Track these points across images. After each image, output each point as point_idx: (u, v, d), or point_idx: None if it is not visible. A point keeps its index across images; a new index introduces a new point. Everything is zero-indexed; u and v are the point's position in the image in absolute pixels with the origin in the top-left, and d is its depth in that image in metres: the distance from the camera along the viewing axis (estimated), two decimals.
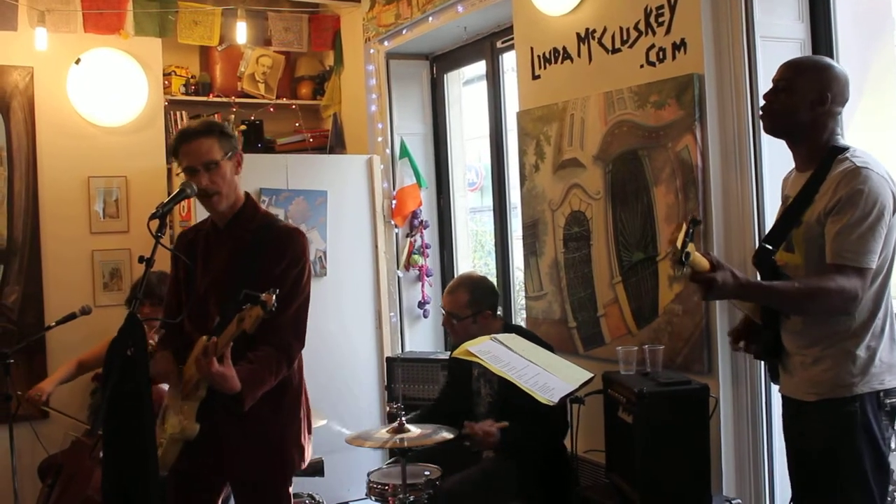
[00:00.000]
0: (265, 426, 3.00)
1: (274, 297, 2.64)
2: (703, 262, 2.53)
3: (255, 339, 2.84)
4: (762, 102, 2.78)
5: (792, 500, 2.83)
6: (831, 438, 2.58)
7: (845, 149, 2.63)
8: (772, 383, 3.07)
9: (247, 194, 3.16)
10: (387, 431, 3.51)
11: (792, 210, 2.69)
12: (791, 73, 2.72)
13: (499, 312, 4.07)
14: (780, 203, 2.90)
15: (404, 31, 5.37)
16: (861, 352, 2.57)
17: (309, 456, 3.17)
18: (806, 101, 2.65)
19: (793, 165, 2.83)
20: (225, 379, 2.77)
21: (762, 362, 3.26)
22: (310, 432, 3.19)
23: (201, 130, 3.06)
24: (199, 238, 3.18)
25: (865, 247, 2.51)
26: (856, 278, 2.50)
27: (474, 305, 3.92)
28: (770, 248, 2.70)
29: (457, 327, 3.94)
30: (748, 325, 2.92)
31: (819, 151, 2.67)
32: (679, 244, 2.47)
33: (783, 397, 2.83)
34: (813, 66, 2.73)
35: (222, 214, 3.09)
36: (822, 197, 2.60)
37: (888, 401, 2.58)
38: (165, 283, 4.39)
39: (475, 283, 4.00)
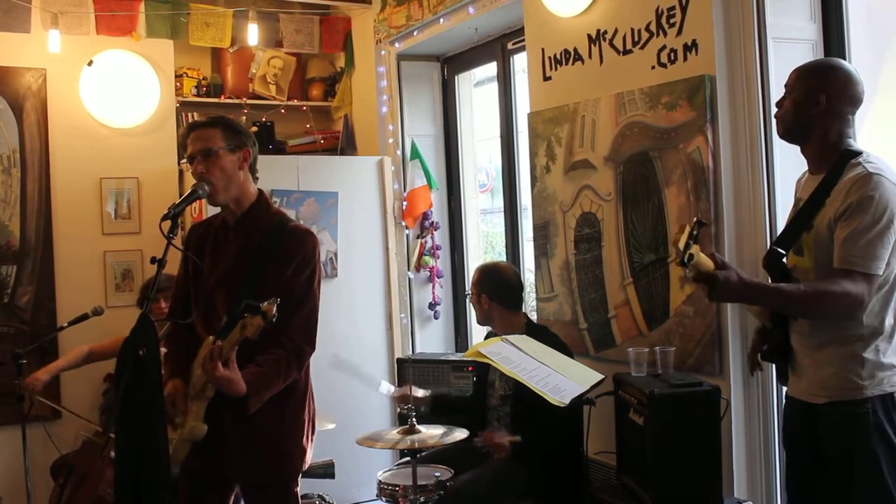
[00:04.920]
0: (269, 428, 3.00)
1: (275, 307, 2.65)
2: (708, 263, 2.56)
3: (267, 340, 2.85)
4: (775, 108, 2.81)
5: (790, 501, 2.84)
6: (846, 441, 2.58)
7: (858, 153, 2.63)
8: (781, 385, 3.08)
9: (260, 192, 3.14)
10: (397, 432, 3.52)
11: (803, 213, 2.70)
12: (792, 77, 2.76)
13: (524, 309, 4.14)
14: (791, 205, 2.90)
15: (415, 33, 5.38)
16: (869, 355, 2.57)
17: (309, 459, 3.17)
18: (800, 104, 2.69)
19: (804, 167, 2.83)
20: (230, 382, 2.78)
21: (773, 364, 3.25)
22: (313, 434, 3.19)
23: (205, 122, 3.09)
24: (210, 233, 3.17)
25: (873, 252, 2.50)
26: (863, 283, 2.50)
27: (477, 286, 4.07)
28: (780, 251, 2.71)
29: (472, 300, 4.13)
30: (760, 336, 2.93)
31: (828, 154, 2.67)
32: (681, 246, 2.50)
33: (790, 399, 2.83)
34: (810, 70, 2.75)
35: (231, 211, 3.08)
36: (833, 201, 2.60)
37: None
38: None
39: (486, 269, 4.15)
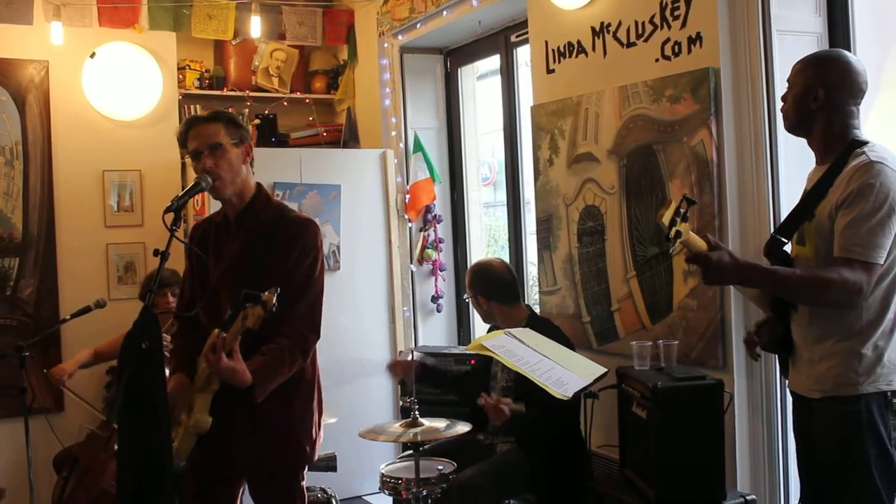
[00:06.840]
0: (277, 419, 3.00)
1: (275, 296, 2.65)
2: (700, 243, 2.52)
3: (271, 331, 2.85)
4: (781, 102, 2.78)
5: (801, 496, 2.82)
6: (838, 438, 2.56)
7: (864, 143, 2.60)
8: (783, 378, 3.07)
9: (258, 185, 3.15)
10: (400, 426, 3.51)
11: (806, 202, 2.67)
12: (794, 70, 2.73)
13: (525, 301, 4.17)
14: (799, 197, 2.88)
15: (418, 26, 5.37)
16: (868, 351, 2.53)
17: (319, 449, 3.18)
18: (800, 99, 2.66)
19: (809, 159, 2.81)
20: (234, 373, 2.79)
21: (777, 357, 3.25)
22: (320, 426, 3.19)
23: (208, 117, 3.10)
24: (211, 229, 3.18)
25: (874, 241, 2.46)
26: (862, 272, 2.46)
27: (471, 288, 4.11)
28: (781, 239, 2.68)
29: (471, 302, 4.18)
30: (758, 327, 2.92)
31: (833, 145, 2.64)
32: (666, 221, 2.45)
33: (792, 392, 2.82)
34: (808, 63, 2.71)
35: (233, 205, 3.08)
36: (835, 190, 2.57)
37: None
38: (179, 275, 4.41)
39: (476, 269, 4.16)
